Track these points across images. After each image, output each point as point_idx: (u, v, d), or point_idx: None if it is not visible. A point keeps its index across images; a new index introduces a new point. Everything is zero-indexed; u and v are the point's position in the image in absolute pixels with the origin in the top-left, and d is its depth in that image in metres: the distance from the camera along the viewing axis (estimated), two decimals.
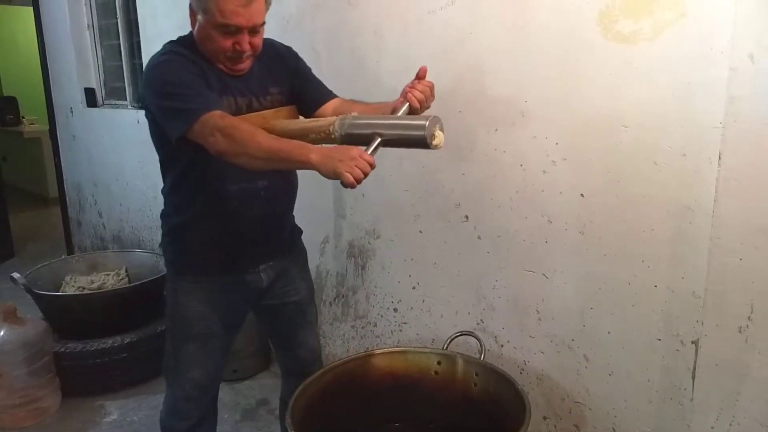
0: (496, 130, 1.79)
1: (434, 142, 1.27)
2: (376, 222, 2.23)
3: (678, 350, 1.52)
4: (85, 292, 2.84)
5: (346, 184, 1.23)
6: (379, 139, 1.29)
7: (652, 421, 1.61)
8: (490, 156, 1.83)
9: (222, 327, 1.74)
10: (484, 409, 1.73)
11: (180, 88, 1.42)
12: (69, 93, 3.98)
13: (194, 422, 1.81)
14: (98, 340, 2.62)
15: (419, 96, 1.39)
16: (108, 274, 3.04)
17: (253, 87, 1.55)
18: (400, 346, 1.98)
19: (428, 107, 1.43)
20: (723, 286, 1.39)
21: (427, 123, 1.25)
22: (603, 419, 1.72)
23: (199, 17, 1.44)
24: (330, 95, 1.66)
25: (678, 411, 1.55)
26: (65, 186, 4.29)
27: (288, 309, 1.78)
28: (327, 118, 1.44)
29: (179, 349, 1.74)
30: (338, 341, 2.54)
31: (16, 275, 2.63)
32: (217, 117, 1.36)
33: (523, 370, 1.90)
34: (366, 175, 1.24)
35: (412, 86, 1.41)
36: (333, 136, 1.36)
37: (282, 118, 1.54)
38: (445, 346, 1.87)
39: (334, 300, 2.50)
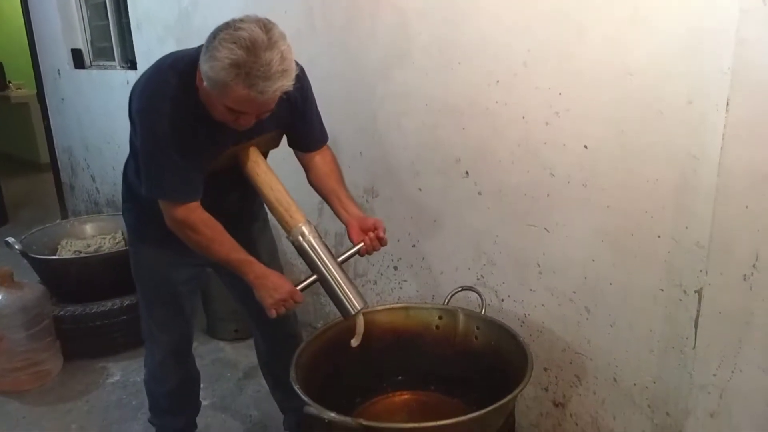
0: (497, 81, 1.75)
1: (356, 329, 1.61)
2: (375, 180, 2.21)
3: (681, 300, 1.52)
4: (82, 255, 2.82)
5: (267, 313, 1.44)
6: (316, 281, 1.51)
7: (654, 371, 1.63)
8: (491, 109, 1.79)
9: (187, 288, 1.76)
10: (486, 361, 1.74)
11: (161, 159, 1.40)
12: (56, 55, 3.88)
13: (174, 385, 1.84)
14: (97, 303, 2.62)
15: (369, 249, 1.58)
16: (104, 238, 3.02)
17: (250, 130, 1.43)
18: (401, 303, 1.98)
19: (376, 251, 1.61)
20: (728, 235, 1.38)
21: (357, 313, 1.53)
22: (604, 370, 1.74)
23: (206, 84, 1.28)
24: (320, 144, 1.65)
25: (680, 360, 1.56)
26: (56, 151, 4.23)
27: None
28: (295, 214, 1.52)
29: (150, 314, 1.77)
30: None
31: (10, 240, 2.61)
32: (186, 212, 1.43)
33: (523, 323, 1.91)
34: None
35: (369, 240, 1.57)
36: (288, 237, 1.53)
37: (260, 145, 1.56)
38: (446, 301, 1.87)
39: None
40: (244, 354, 2.65)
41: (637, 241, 1.57)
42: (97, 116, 3.64)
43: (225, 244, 1.47)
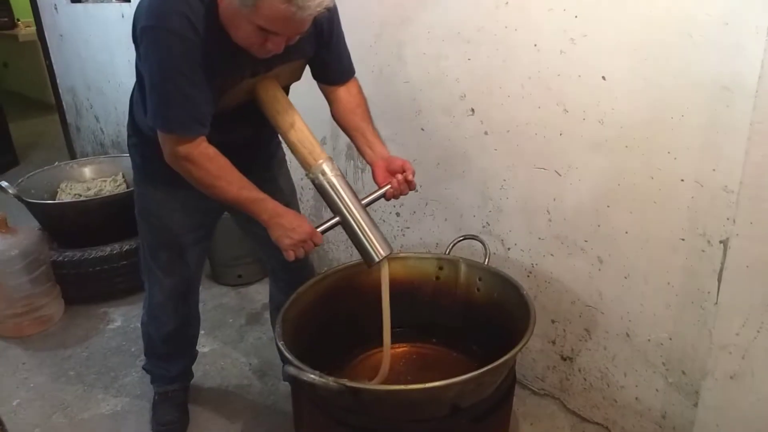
0: (507, 3, 1.55)
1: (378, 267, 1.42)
2: (375, 119, 2.03)
3: (704, 251, 1.37)
4: (81, 199, 2.75)
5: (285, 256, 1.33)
6: (338, 223, 1.39)
7: (670, 327, 1.49)
8: (500, 36, 1.60)
9: (195, 236, 1.65)
10: (487, 314, 1.63)
11: (167, 85, 1.24)
12: None
13: (172, 329, 1.76)
14: (97, 247, 2.55)
15: (396, 193, 1.46)
16: (104, 181, 2.93)
17: (271, 59, 1.29)
18: (400, 252, 1.85)
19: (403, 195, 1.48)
20: (762, 179, 1.21)
21: (382, 260, 1.39)
22: (616, 324, 1.61)
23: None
24: (346, 77, 1.52)
25: (699, 316, 1.42)
26: (60, 90, 4.11)
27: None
28: (317, 152, 1.39)
29: (153, 257, 1.66)
30: (341, 246, 2.44)
31: (4, 184, 2.53)
32: (190, 148, 1.28)
33: (530, 273, 1.78)
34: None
35: (397, 183, 1.44)
36: (307, 175, 1.40)
37: (281, 77, 1.42)
38: (447, 250, 1.74)
39: None
40: (248, 300, 2.59)
41: (657, 185, 1.41)
42: (96, 53, 3.49)
43: (233, 182, 1.33)
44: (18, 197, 2.55)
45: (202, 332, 2.34)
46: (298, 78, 1.51)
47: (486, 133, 1.73)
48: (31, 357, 2.27)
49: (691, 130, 1.30)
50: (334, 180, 1.38)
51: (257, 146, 1.59)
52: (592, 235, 1.59)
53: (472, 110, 1.74)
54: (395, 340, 1.75)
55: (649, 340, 1.55)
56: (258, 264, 2.70)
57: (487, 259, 1.68)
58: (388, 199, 1.47)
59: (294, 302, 1.54)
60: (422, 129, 1.91)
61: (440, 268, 1.72)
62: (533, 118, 1.60)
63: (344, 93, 1.52)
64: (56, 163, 2.96)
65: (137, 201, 1.62)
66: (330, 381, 1.19)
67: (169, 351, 1.84)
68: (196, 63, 1.22)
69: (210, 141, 1.33)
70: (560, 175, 1.60)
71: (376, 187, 1.46)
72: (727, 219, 1.30)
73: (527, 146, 1.65)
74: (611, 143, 1.46)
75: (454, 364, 1.68)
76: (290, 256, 1.33)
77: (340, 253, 2.46)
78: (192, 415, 1.91)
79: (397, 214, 2.13)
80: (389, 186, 1.44)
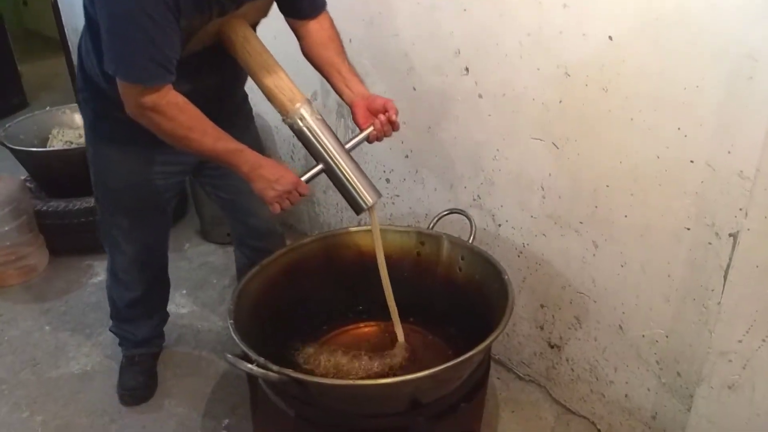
0: None
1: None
2: (365, 76, 1.86)
3: (710, 243, 1.20)
4: (69, 147, 2.65)
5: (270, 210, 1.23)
6: (322, 171, 1.28)
7: (667, 323, 1.34)
8: None
9: (157, 200, 1.53)
10: (468, 296, 1.50)
11: (128, 28, 1.08)
12: None
13: (136, 295, 1.67)
14: (82, 198, 2.47)
15: (379, 135, 1.33)
16: None
17: None
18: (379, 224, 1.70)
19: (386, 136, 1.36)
20: None
21: (370, 207, 1.31)
22: (609, 314, 1.46)
23: None
24: (317, 9, 1.38)
25: (700, 314, 1.27)
26: (65, 30, 3.98)
27: (232, 175, 1.54)
28: (294, 95, 1.26)
29: (112, 222, 1.55)
30: (332, 210, 2.31)
31: None
32: (157, 97, 1.14)
33: (521, 253, 1.63)
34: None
35: (380, 124, 1.32)
36: (285, 121, 1.28)
37: (249, 15, 1.28)
38: (431, 225, 1.60)
39: None
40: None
41: (663, 165, 1.23)
42: None
43: (208, 133, 1.20)
44: (1, 143, 2.46)
45: (183, 292, 2.28)
46: (266, 14, 1.36)
47: (480, 96, 1.56)
48: (10, 309, 2.22)
49: (705, 104, 1.12)
50: (314, 124, 1.26)
51: (224, 97, 1.44)
52: (588, 216, 1.42)
53: (467, 69, 1.56)
54: (370, 317, 1.65)
55: (643, 336, 1.40)
56: None
57: (472, 237, 1.53)
58: (371, 142, 1.35)
59: (256, 275, 1.42)
60: (414, 88, 1.74)
61: (422, 243, 1.58)
62: (531, 82, 1.42)
63: (315, 27, 1.38)
64: (47, 108, 2.85)
65: (91, 162, 1.50)
66: (272, 373, 1.07)
67: (135, 316, 1.76)
68: (160, 1, 1.07)
69: (176, 89, 1.19)
70: (557, 148, 1.43)
71: (358, 130, 1.34)
72: (740, 210, 1.12)
73: (524, 113, 1.47)
74: (615, 115, 1.28)
75: (427, 348, 1.55)
76: (276, 209, 1.23)
77: (330, 217, 2.33)
78: (160, 380, 1.84)
79: (387, 180, 1.98)
80: (372, 128, 1.32)
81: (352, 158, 1.30)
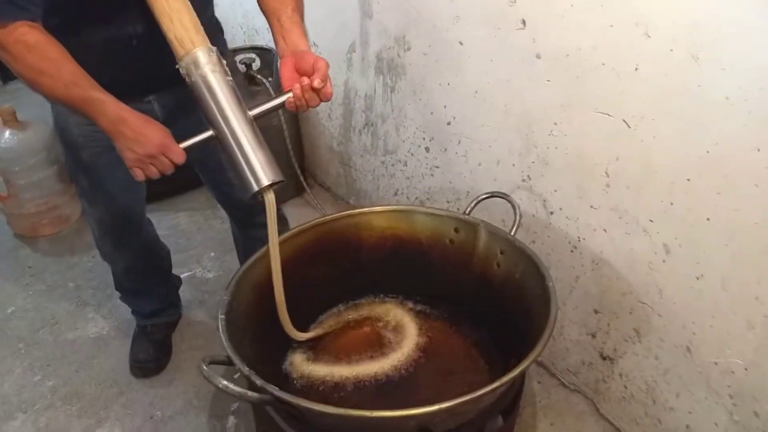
0: None
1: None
2: (407, 26, 1.62)
3: None
4: None
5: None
6: (211, 138, 1.04)
7: (748, 353, 1.08)
8: None
9: (115, 157, 1.34)
10: (504, 297, 1.28)
11: None
12: None
13: (124, 266, 1.56)
14: None
15: (298, 104, 1.07)
16: None
17: None
18: (407, 205, 1.50)
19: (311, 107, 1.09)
20: None
21: (262, 190, 1.03)
22: (675, 332, 1.21)
23: None
24: None
25: None
26: None
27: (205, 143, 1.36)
28: (192, 36, 1.01)
29: (74, 179, 1.42)
30: (368, 176, 2.10)
31: None
32: (7, 33, 0.97)
33: (575, 248, 1.38)
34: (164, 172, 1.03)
35: (301, 90, 1.05)
36: (179, 68, 1.03)
37: None
38: (468, 209, 1.37)
39: (364, 128, 2.00)
40: None
41: (764, 157, 0.95)
42: None
43: (61, 77, 1.00)
44: None
45: (211, 254, 2.17)
46: None
47: (538, 56, 1.28)
48: (39, 261, 2.18)
49: None
50: (211, 76, 1.02)
51: (161, 55, 1.12)
52: (660, 214, 1.15)
53: (523, 22, 1.29)
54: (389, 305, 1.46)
55: (716, 364, 1.15)
56: (290, 180, 2.42)
57: (515, 227, 1.30)
58: (291, 111, 1.11)
59: (261, 260, 1.25)
60: (460, 43, 1.47)
61: (456, 231, 1.37)
62: (602, 42, 1.14)
63: None
64: None
65: (53, 115, 1.34)
66: (249, 393, 0.91)
67: (135, 287, 1.65)
68: None
69: (85, 39, 1.05)
70: (629, 127, 1.15)
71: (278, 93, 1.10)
72: None
73: (589, 80, 1.19)
74: (706, 90, 0.99)
75: (451, 351, 1.35)
76: (137, 174, 1.03)
77: (366, 183, 2.13)
78: (175, 351, 1.74)
79: (427, 149, 1.74)
80: (290, 93, 1.07)
81: (253, 128, 1.04)
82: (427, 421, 0.92)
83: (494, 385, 0.91)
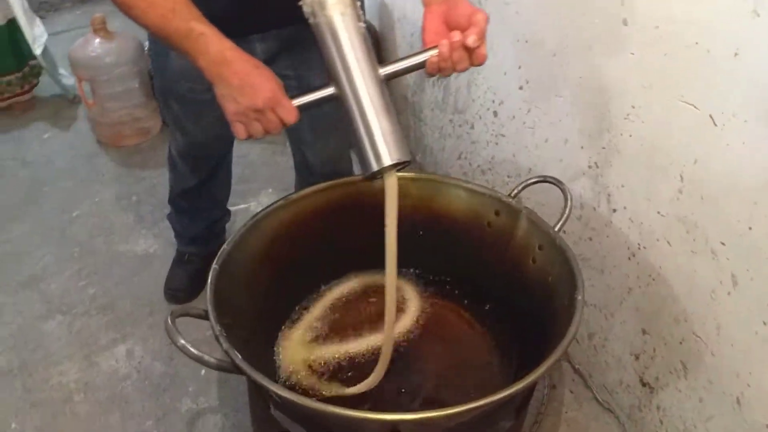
0: None
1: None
2: None
3: None
4: None
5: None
6: (332, 97, 0.88)
7: None
8: None
9: (210, 92, 1.29)
10: (533, 298, 1.13)
11: None
12: None
13: (189, 186, 1.57)
14: None
15: (443, 66, 0.88)
16: None
17: None
18: (444, 176, 1.35)
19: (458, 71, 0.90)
20: None
21: (384, 170, 0.86)
22: (727, 380, 1.01)
23: None
24: None
25: None
26: None
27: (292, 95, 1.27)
28: None
29: (164, 104, 1.39)
30: (436, 134, 1.95)
31: None
32: None
33: (633, 256, 1.18)
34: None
35: (449, 48, 0.86)
36: (302, 4, 0.85)
37: None
38: (514, 192, 1.21)
39: (438, 80, 1.84)
40: None
41: None
42: None
43: (157, 4, 0.86)
44: None
45: (269, 190, 2.15)
46: None
47: (625, 22, 1.06)
48: (111, 170, 2.26)
49: None
50: (339, 20, 0.84)
51: None
52: (735, 237, 0.94)
53: None
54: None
55: None
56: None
57: (562, 221, 1.13)
58: (431, 75, 0.91)
59: (277, 212, 1.18)
60: None
61: (496, 213, 1.21)
62: (700, 16, 0.91)
63: None
64: None
65: (149, 41, 1.32)
66: (206, 356, 0.85)
67: (187, 206, 1.64)
68: None
69: None
70: (716, 125, 0.93)
71: (419, 48, 0.92)
72: None
73: (679, 60, 0.97)
74: None
75: (464, 342, 1.23)
76: (238, 131, 0.88)
77: (433, 141, 1.98)
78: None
79: (495, 114, 1.56)
80: (435, 50, 0.87)
81: (383, 91, 0.87)
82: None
83: (483, 401, 0.79)
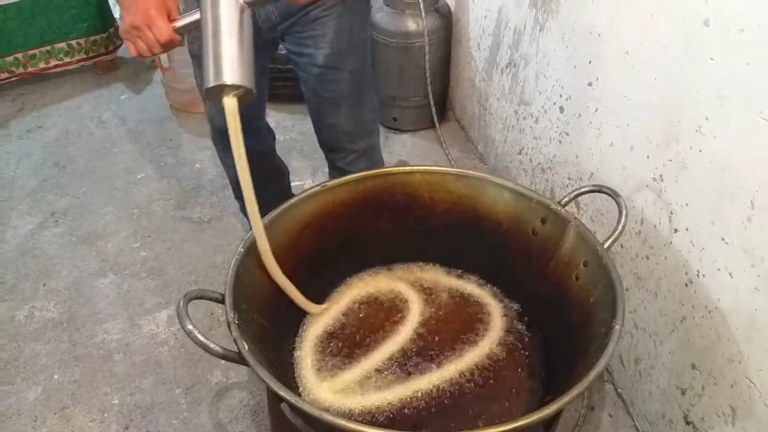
0: None
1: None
2: None
3: None
4: None
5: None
6: (196, 20, 0.89)
7: None
8: None
9: None
10: (571, 317, 1.04)
11: None
12: None
13: (230, 173, 1.53)
14: None
15: None
16: None
17: None
18: (489, 174, 1.24)
19: None
20: None
21: (217, 89, 0.84)
22: None
23: None
24: None
25: None
26: None
27: (303, 68, 1.23)
28: None
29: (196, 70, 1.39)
30: (500, 124, 1.86)
31: None
32: None
33: (691, 282, 1.07)
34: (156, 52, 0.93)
35: None
36: None
37: None
38: (565, 199, 1.12)
39: (506, 67, 1.74)
40: (393, 149, 2.23)
41: None
42: None
43: None
44: None
45: (326, 170, 2.11)
46: None
47: (706, 23, 0.94)
48: (179, 136, 2.31)
49: None
50: None
51: None
52: None
53: None
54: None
55: None
56: (417, 111, 2.24)
57: (613, 238, 1.03)
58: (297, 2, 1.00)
59: (306, 201, 1.14)
60: None
61: (543, 221, 1.13)
62: None
63: None
64: None
65: None
66: (212, 344, 0.83)
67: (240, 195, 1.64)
68: None
69: None
70: None
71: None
72: None
73: (762, 72, 0.85)
74: None
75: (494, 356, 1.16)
76: (129, 49, 0.94)
77: (496, 132, 1.88)
78: None
79: (561, 109, 1.45)
80: None
81: (241, 17, 0.85)
82: None
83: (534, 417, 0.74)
